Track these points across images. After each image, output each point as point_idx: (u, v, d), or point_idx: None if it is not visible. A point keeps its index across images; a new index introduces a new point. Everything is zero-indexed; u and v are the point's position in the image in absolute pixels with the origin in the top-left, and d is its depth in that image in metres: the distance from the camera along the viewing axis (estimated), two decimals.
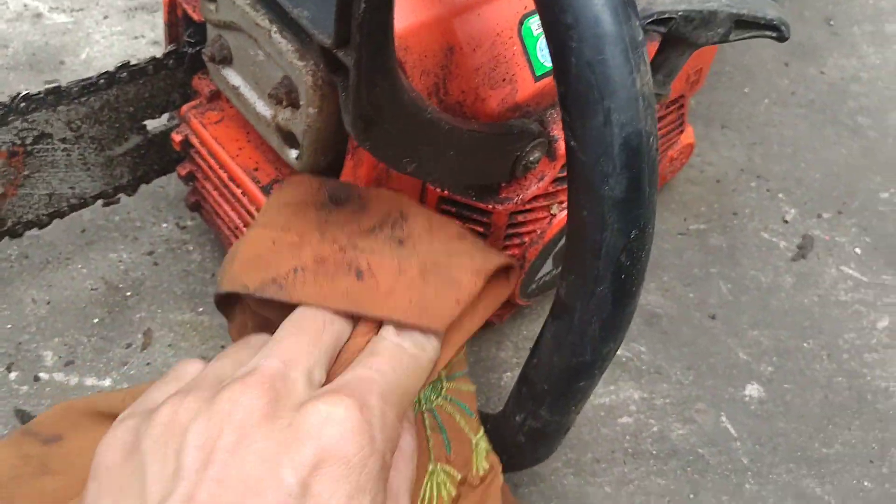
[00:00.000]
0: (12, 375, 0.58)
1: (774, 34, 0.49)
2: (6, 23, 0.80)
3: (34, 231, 0.59)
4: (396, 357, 0.38)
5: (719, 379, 0.64)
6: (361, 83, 0.35)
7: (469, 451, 0.44)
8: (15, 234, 0.58)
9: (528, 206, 0.51)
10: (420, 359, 0.39)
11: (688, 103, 0.66)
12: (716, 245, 0.72)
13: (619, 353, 0.64)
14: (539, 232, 0.53)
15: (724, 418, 0.62)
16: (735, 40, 0.49)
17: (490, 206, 0.50)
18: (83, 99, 0.55)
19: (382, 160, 0.40)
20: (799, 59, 0.89)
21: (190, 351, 0.61)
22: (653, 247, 0.67)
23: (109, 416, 0.41)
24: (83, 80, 0.55)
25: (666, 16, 0.46)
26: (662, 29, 0.47)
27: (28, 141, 0.54)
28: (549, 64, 0.47)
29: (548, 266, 0.57)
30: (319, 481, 0.31)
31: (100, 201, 0.61)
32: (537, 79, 0.47)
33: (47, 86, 0.54)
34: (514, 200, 0.50)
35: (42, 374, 0.59)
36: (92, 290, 0.63)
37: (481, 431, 0.46)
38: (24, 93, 0.53)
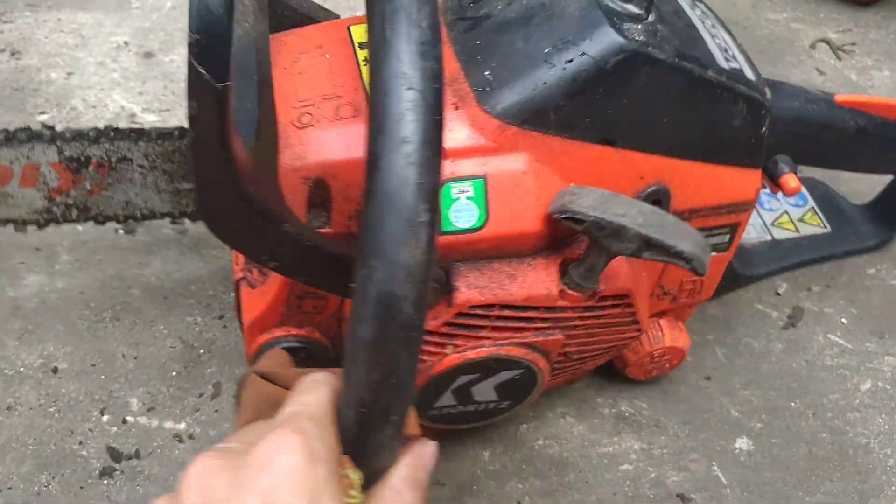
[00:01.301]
0: (105, 418, 0.70)
1: (687, 266, 0.51)
2: (106, 122, 0.94)
3: (124, 299, 0.71)
4: None
5: (712, 432, 0.72)
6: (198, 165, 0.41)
7: None
8: (97, 221, 0.69)
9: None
10: None
11: (688, 311, 0.71)
12: (713, 315, 0.81)
13: (623, 408, 0.73)
14: (429, 363, 0.56)
15: (715, 467, 0.70)
16: (651, 259, 0.51)
17: None
18: (160, 141, 0.66)
19: (231, 246, 0.47)
20: None
21: None
22: None
23: None
24: (164, 128, 0.66)
25: (578, 217, 0.50)
26: (578, 227, 0.51)
27: (113, 160, 0.65)
28: (459, 224, 0.52)
29: (451, 399, 0.60)
30: None
31: (168, 219, 0.71)
32: (442, 233, 0.51)
33: (133, 125, 0.65)
34: None
35: (129, 418, 0.70)
36: (171, 347, 0.75)
37: None
38: (114, 126, 0.65)
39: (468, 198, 0.52)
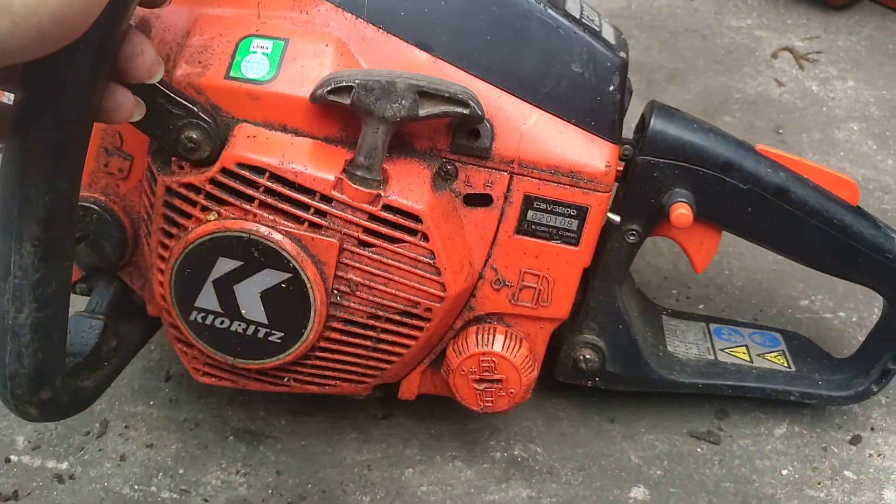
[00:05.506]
0: None
1: (465, 110, 0.50)
2: None
3: None
4: None
5: (608, 480, 0.69)
6: None
7: None
8: None
9: (183, 192, 0.53)
10: None
11: (537, 330, 0.61)
12: None
13: (516, 452, 0.71)
14: (189, 228, 0.54)
15: None
16: (427, 117, 0.51)
17: (156, 169, 0.54)
18: None
19: None
20: None
21: (136, 440, 0.70)
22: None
23: None
24: None
25: (343, 84, 0.49)
26: (346, 101, 0.50)
27: None
28: (248, 74, 0.52)
29: (214, 300, 0.56)
30: None
31: None
32: (227, 77, 0.52)
33: None
34: (173, 176, 0.53)
35: (13, 457, 0.69)
36: None
37: None
38: None
39: (264, 53, 0.53)
